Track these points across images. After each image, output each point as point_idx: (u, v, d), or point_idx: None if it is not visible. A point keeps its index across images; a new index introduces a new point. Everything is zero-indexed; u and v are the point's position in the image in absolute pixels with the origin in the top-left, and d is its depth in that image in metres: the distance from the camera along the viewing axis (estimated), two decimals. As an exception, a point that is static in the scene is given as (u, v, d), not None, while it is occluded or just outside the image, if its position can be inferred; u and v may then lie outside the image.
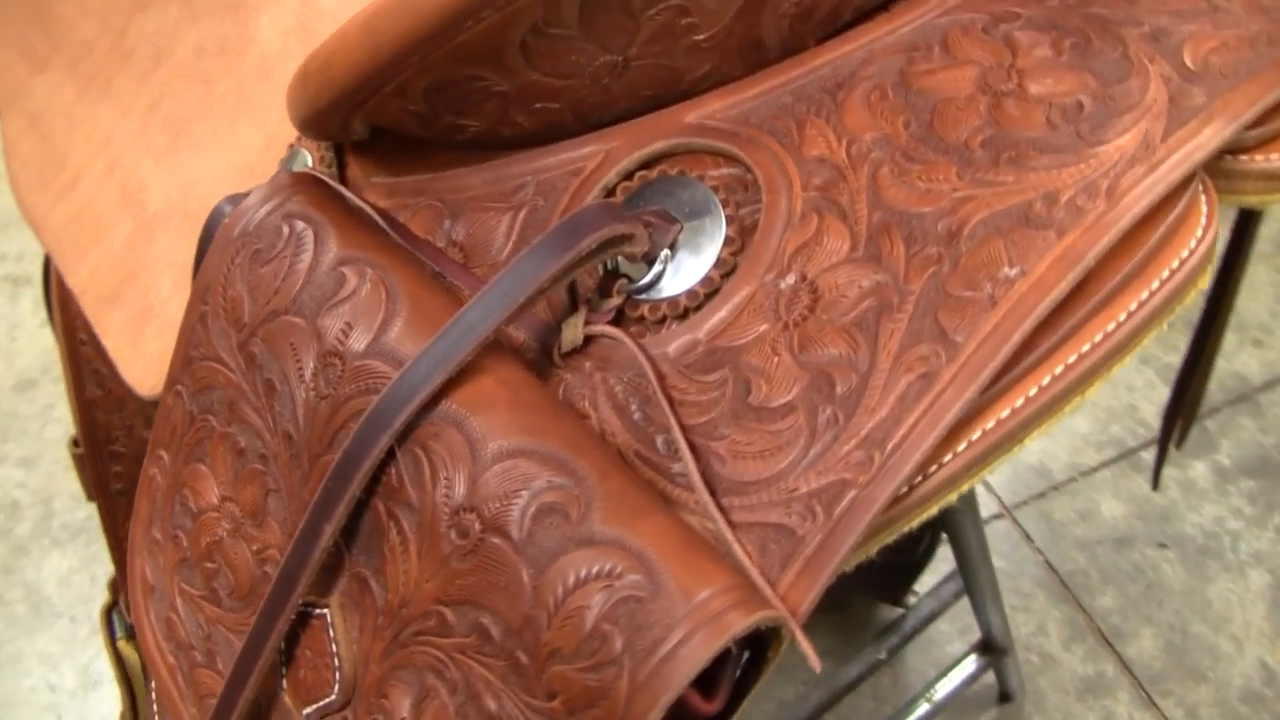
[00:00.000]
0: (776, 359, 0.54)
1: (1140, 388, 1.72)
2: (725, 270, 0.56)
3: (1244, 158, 0.58)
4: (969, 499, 1.15)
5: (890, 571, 1.42)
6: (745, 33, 0.60)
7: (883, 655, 1.30)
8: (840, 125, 0.59)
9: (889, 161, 0.57)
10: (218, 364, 0.62)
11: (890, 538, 0.53)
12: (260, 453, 0.60)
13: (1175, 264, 0.55)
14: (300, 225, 0.61)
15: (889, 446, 0.51)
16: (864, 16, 0.64)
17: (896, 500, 0.51)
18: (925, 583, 1.42)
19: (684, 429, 0.54)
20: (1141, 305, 0.55)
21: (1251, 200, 0.59)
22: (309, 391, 0.57)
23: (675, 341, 0.56)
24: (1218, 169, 0.59)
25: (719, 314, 0.55)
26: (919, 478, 0.51)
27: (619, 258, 0.56)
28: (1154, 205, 0.54)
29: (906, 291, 0.53)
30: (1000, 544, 1.55)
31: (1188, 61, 0.59)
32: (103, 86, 0.84)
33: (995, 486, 1.62)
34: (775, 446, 0.52)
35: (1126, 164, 0.55)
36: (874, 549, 0.53)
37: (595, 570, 0.47)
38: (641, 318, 0.57)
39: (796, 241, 0.56)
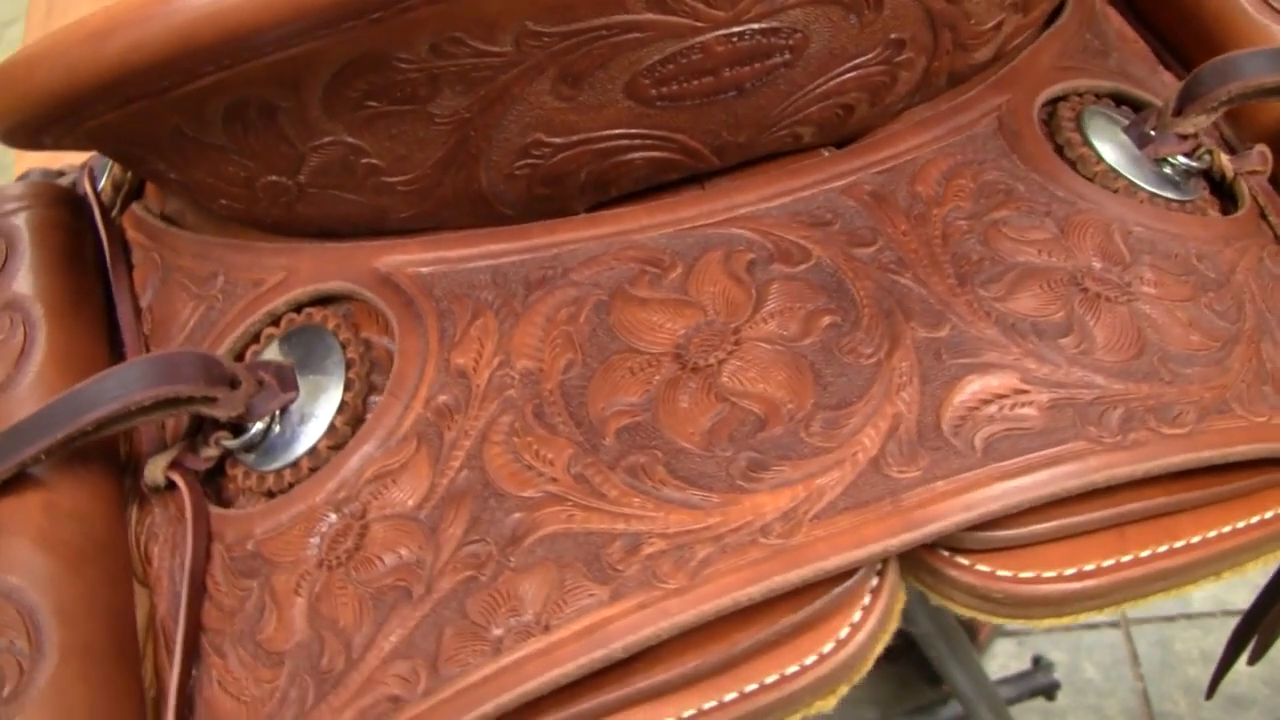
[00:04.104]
0: (296, 599, 0.46)
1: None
2: (316, 464, 0.48)
3: (959, 559, 0.43)
4: (959, 640, 1.00)
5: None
6: (462, 186, 0.49)
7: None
8: (506, 338, 0.48)
9: (516, 409, 0.46)
10: None
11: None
12: None
13: (774, 678, 0.42)
14: None
15: None
16: (657, 190, 0.51)
17: None
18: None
19: (198, 628, 0.48)
20: (720, 707, 0.42)
21: (962, 612, 0.44)
22: None
23: (243, 525, 0.48)
24: (921, 562, 0.44)
25: (280, 516, 0.48)
26: None
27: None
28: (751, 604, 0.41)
29: (434, 587, 0.44)
30: (1102, 654, 1.36)
31: (946, 415, 0.44)
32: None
33: (1125, 588, 1.42)
34: (257, 696, 0.46)
35: (753, 533, 0.42)
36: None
37: None
38: (240, 477, 0.50)
39: (379, 467, 0.47)
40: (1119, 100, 0.57)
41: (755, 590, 0.40)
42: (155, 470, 0.50)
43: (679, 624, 0.40)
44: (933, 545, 0.44)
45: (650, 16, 0.44)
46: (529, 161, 0.48)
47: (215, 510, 0.49)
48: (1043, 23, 0.59)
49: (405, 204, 0.50)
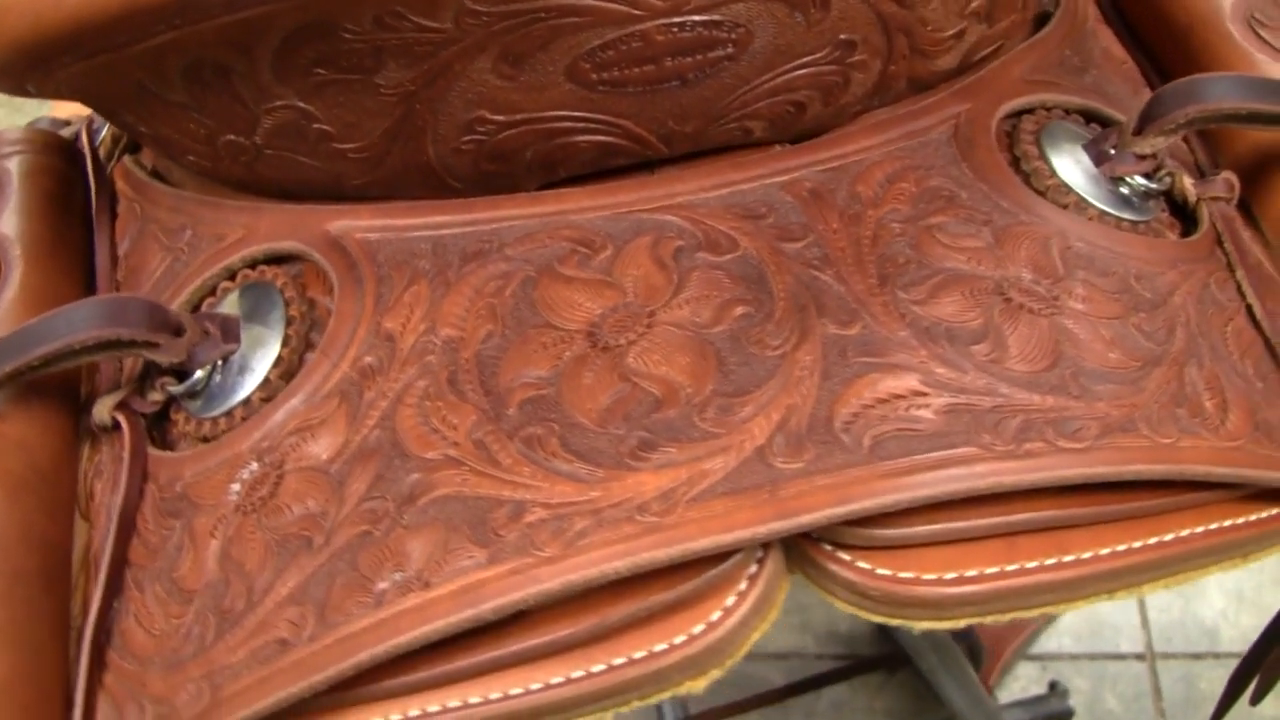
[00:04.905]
0: (211, 541, 0.48)
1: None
2: (248, 414, 0.50)
3: (840, 554, 0.44)
4: (949, 653, 0.99)
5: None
6: (411, 158, 0.51)
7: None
8: (435, 306, 0.49)
9: (433, 374, 0.47)
10: None
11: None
12: None
13: (642, 653, 0.43)
14: None
15: (224, 691, 0.45)
16: (604, 174, 0.53)
17: None
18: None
19: (125, 564, 0.50)
20: (588, 677, 0.44)
21: (843, 608, 0.44)
22: None
23: (176, 467, 0.51)
24: (804, 554, 0.45)
25: (208, 461, 0.50)
26: None
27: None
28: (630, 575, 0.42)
29: (332, 539, 0.45)
30: (1125, 686, 1.34)
31: (840, 411, 0.44)
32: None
33: (1153, 622, 1.39)
34: (165, 630, 0.48)
35: (630, 509, 0.43)
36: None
37: None
38: (182, 422, 0.52)
39: (301, 420, 0.48)
40: (1090, 118, 0.57)
41: (623, 565, 0.41)
42: (103, 410, 0.52)
43: (547, 591, 0.41)
44: (817, 539, 0.45)
45: (589, 2, 0.45)
46: (474, 137, 0.50)
47: (153, 452, 0.51)
48: (1024, 34, 0.59)
49: (358, 171, 0.52)
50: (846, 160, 0.52)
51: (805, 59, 0.49)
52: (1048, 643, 1.38)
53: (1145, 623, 1.39)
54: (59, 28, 0.45)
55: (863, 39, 0.49)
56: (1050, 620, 1.39)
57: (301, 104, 0.48)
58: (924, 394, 0.44)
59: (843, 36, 0.49)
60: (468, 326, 0.48)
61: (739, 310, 0.47)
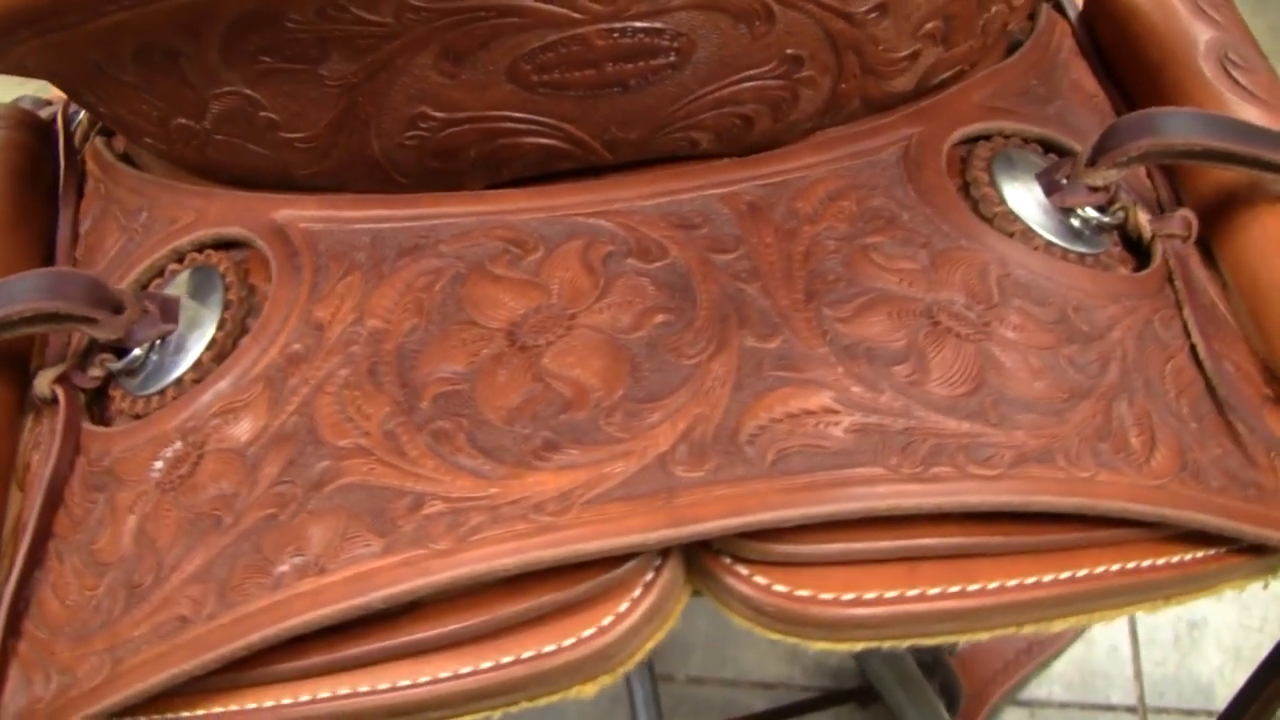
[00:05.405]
0: (129, 516, 0.48)
1: None
2: (179, 393, 0.51)
3: (738, 567, 0.43)
4: (917, 690, 0.97)
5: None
6: (356, 150, 0.51)
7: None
8: (366, 297, 0.50)
9: (354, 364, 0.48)
10: None
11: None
12: None
13: (530, 653, 0.43)
14: None
15: (123, 665, 0.45)
16: (550, 178, 0.53)
17: None
18: None
19: (49, 535, 0.51)
20: (475, 674, 0.43)
21: (740, 623, 0.44)
22: None
23: (106, 442, 0.51)
24: (703, 565, 0.44)
25: (137, 438, 0.50)
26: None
27: None
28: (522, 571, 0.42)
29: (241, 520, 0.46)
30: (1113, 735, 1.31)
31: (747, 423, 0.44)
32: None
33: (1147, 675, 1.37)
34: (78, 602, 0.48)
35: (526, 508, 0.43)
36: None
37: None
38: (119, 398, 0.53)
39: (226, 403, 0.49)
40: (1049, 148, 0.56)
41: (511, 562, 0.41)
42: (43, 382, 0.53)
43: (435, 584, 0.41)
44: (717, 551, 0.44)
45: (528, 3, 0.45)
46: (416, 133, 0.50)
47: (87, 426, 0.52)
48: (990, 60, 0.58)
49: (305, 161, 0.52)
50: (789, 176, 0.52)
51: (751, 72, 0.49)
52: (1037, 690, 1.36)
53: (1139, 674, 1.37)
54: (10, 3, 0.46)
55: (810, 55, 0.49)
56: (1042, 666, 1.37)
57: (248, 91, 0.49)
58: (835, 411, 0.44)
59: (789, 51, 0.49)
60: (394, 319, 0.48)
61: (660, 317, 0.47)
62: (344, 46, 0.46)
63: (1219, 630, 1.38)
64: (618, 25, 0.46)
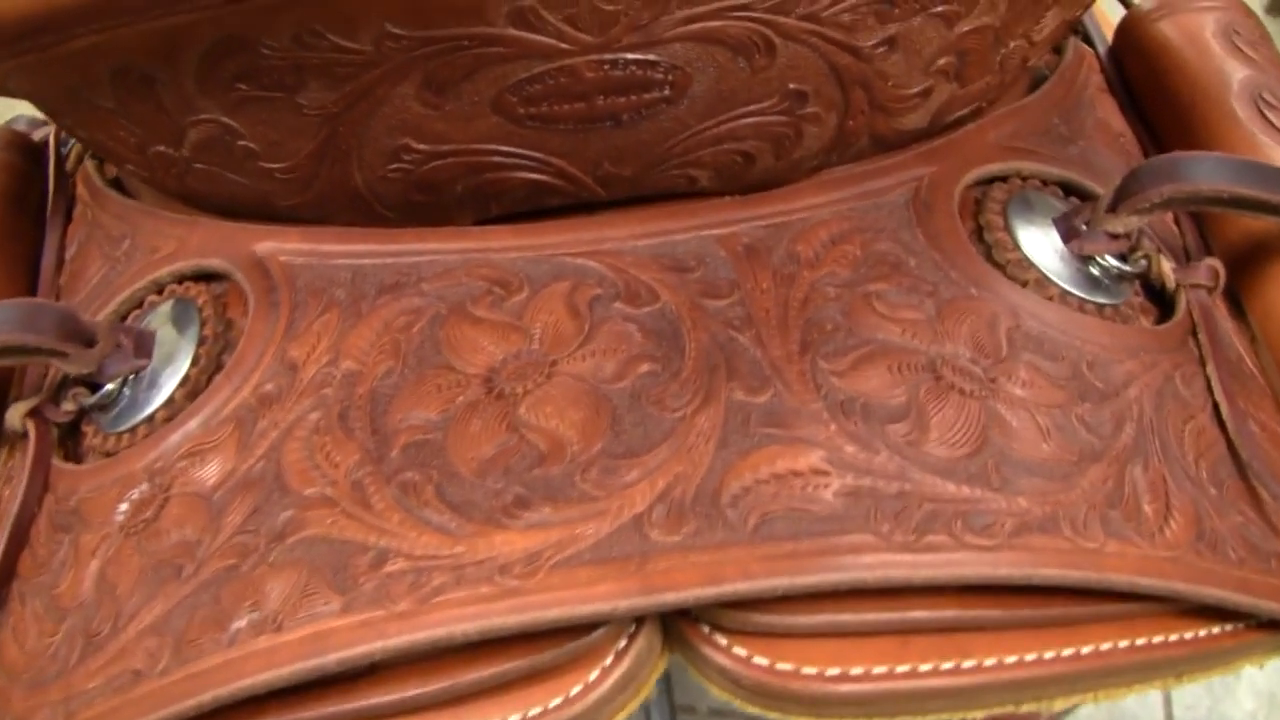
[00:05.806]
0: (92, 561, 0.47)
1: None
2: (150, 432, 0.49)
3: (717, 637, 0.41)
4: None
5: None
6: (339, 181, 0.49)
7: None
8: (342, 337, 0.48)
9: (326, 408, 0.46)
10: None
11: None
12: None
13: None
14: None
15: (77, 717, 0.43)
16: (541, 214, 0.51)
17: None
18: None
19: (12, 576, 0.49)
20: None
21: (718, 695, 0.41)
22: None
23: (74, 481, 0.49)
24: (680, 634, 0.42)
25: (104, 477, 0.48)
26: None
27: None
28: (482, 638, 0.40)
29: (201, 570, 0.44)
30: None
31: (730, 484, 0.42)
32: None
33: (1178, 722, 1.32)
34: (35, 648, 0.46)
35: (492, 569, 0.40)
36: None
37: None
38: (91, 435, 0.51)
39: (194, 444, 0.47)
40: (1070, 191, 0.53)
41: (472, 628, 0.39)
42: (15, 415, 0.51)
43: (391, 647, 0.39)
44: (695, 619, 0.42)
45: (513, 32, 0.43)
46: (400, 165, 0.48)
47: (57, 463, 0.50)
48: (1009, 98, 0.55)
49: (287, 192, 0.50)
50: (791, 217, 0.49)
51: (751, 107, 0.47)
52: (1065, 733, 1.32)
53: (1170, 719, 1.32)
54: None
55: (815, 90, 0.47)
56: (1069, 710, 1.32)
57: (225, 119, 0.47)
58: (825, 473, 0.41)
59: (792, 86, 0.47)
60: (369, 361, 0.46)
61: (644, 367, 0.44)
62: (322, 75, 0.44)
63: (1253, 675, 1.34)
64: (608, 57, 0.44)
